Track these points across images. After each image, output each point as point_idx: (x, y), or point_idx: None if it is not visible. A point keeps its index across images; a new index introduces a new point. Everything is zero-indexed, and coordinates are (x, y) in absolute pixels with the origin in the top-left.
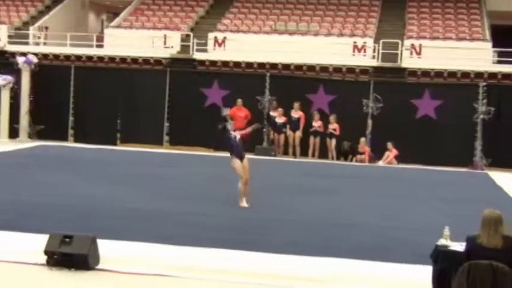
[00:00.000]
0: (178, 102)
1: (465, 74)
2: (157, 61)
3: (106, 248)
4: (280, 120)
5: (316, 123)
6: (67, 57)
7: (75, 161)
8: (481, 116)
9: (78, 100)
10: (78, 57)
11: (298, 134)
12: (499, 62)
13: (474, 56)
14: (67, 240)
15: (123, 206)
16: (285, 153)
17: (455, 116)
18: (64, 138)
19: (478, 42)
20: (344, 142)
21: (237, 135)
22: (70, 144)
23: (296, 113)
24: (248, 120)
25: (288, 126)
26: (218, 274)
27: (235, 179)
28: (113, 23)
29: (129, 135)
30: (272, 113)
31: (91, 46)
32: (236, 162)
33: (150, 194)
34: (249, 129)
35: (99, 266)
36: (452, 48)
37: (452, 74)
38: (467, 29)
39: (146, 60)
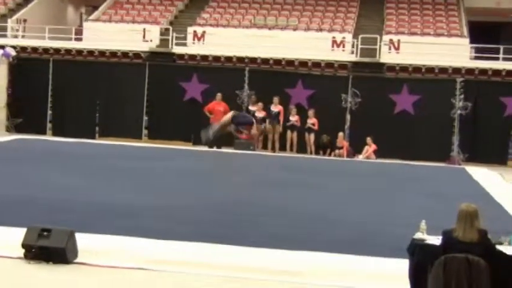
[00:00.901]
0: (157, 96)
1: (443, 70)
2: (136, 55)
3: (84, 241)
4: (260, 114)
5: (293, 118)
6: (45, 50)
7: (53, 154)
8: (458, 112)
9: (57, 93)
10: (57, 51)
11: (278, 128)
12: (476, 58)
13: (452, 51)
14: (45, 233)
15: (101, 200)
16: (264, 147)
17: (433, 111)
18: (42, 131)
19: (455, 38)
20: (323, 135)
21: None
22: (48, 137)
23: (275, 107)
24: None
25: (267, 120)
26: (197, 268)
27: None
28: (92, 17)
29: (107, 129)
30: (251, 108)
31: (70, 39)
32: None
33: (129, 187)
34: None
35: (78, 260)
36: (431, 44)
37: (430, 69)
38: (445, 25)
39: (125, 54)
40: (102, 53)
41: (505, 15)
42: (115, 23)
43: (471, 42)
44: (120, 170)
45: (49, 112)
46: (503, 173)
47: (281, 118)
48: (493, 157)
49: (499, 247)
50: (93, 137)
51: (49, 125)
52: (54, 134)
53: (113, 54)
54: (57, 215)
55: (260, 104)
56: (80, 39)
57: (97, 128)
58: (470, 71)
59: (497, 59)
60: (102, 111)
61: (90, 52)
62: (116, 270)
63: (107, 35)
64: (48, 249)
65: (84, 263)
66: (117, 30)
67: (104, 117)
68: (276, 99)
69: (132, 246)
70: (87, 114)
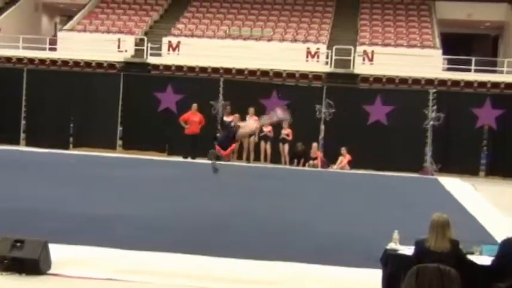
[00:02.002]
0: (131, 106)
1: (416, 81)
2: (111, 65)
3: (57, 252)
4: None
5: (266, 129)
6: (19, 60)
7: (26, 164)
8: (431, 122)
9: (31, 104)
10: (31, 60)
11: (253, 139)
12: (449, 69)
13: (425, 63)
14: (18, 244)
15: (74, 210)
16: (239, 158)
17: (406, 122)
18: (16, 142)
19: (428, 50)
20: (298, 143)
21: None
22: (22, 148)
23: (251, 118)
24: (202, 125)
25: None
26: (170, 278)
27: (187, 182)
28: (67, 26)
29: (82, 139)
30: (226, 118)
31: (44, 49)
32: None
33: (102, 197)
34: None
35: (51, 271)
36: (404, 55)
37: (403, 80)
38: (418, 36)
39: (100, 64)
40: (76, 63)
41: (476, 27)
42: (90, 33)
43: (444, 53)
44: (93, 180)
45: (23, 122)
46: (475, 183)
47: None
48: (465, 168)
49: (470, 257)
50: (67, 147)
51: (22, 135)
52: (28, 144)
53: (88, 64)
54: (30, 225)
55: (237, 115)
56: (54, 49)
57: (71, 138)
58: (442, 82)
59: (469, 70)
60: (76, 122)
61: (65, 62)
62: (89, 281)
63: (81, 45)
64: (21, 260)
65: (57, 274)
66: (92, 40)
67: (78, 128)
68: (251, 110)
69: (105, 257)
70: (61, 124)
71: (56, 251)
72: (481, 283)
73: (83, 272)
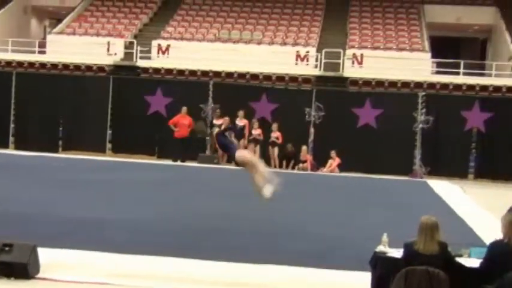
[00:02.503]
0: (121, 110)
1: (405, 84)
2: (101, 68)
3: (46, 256)
4: None
5: (256, 131)
6: (8, 63)
7: (15, 168)
8: (420, 125)
9: (20, 107)
10: (20, 64)
11: (243, 142)
12: (438, 73)
13: (414, 66)
14: (7, 248)
15: (63, 213)
16: (229, 161)
17: (396, 125)
18: (5, 145)
19: (417, 53)
20: (288, 145)
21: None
22: (11, 151)
23: (241, 121)
24: (191, 128)
25: (232, 134)
26: (160, 281)
27: (177, 185)
28: (56, 29)
29: (71, 143)
30: (215, 121)
31: (33, 52)
32: (241, 154)
33: (91, 200)
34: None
35: (40, 275)
36: (393, 58)
37: (392, 83)
38: (407, 39)
39: (89, 67)
40: (66, 66)
41: (465, 31)
42: (79, 36)
43: (433, 56)
44: (83, 184)
45: (12, 126)
46: (464, 186)
47: (246, 132)
48: (454, 170)
49: (459, 259)
50: (57, 151)
51: (11, 139)
52: (17, 147)
53: (77, 67)
54: (18, 229)
55: (227, 119)
56: (43, 52)
57: (60, 142)
58: (431, 85)
59: (458, 73)
60: (66, 125)
61: (54, 65)
62: (78, 285)
63: (70, 48)
64: (10, 264)
65: (46, 278)
66: (81, 43)
67: (67, 131)
68: (241, 113)
69: (94, 260)
70: (50, 127)
71: (45, 254)
72: (469, 285)
73: (72, 276)
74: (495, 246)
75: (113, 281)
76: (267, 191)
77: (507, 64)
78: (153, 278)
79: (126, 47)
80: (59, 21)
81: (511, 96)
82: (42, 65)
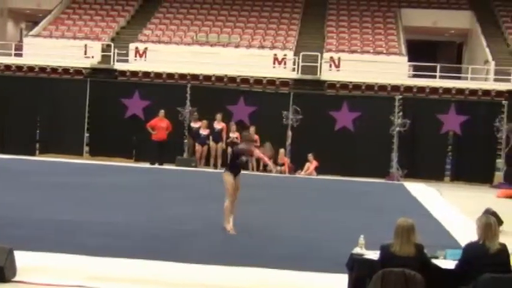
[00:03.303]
0: (98, 112)
1: (382, 87)
2: (78, 71)
3: (23, 259)
4: (204, 132)
5: (234, 135)
6: None
7: None
8: (397, 128)
9: None
10: None
11: (221, 145)
12: (415, 76)
13: (391, 69)
14: None
15: (40, 216)
16: (207, 164)
17: (373, 128)
18: None
19: (394, 57)
20: (266, 143)
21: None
22: None
23: (219, 124)
24: (169, 131)
25: (210, 137)
26: (138, 284)
27: (154, 189)
28: (33, 32)
29: (48, 145)
30: (193, 124)
31: (10, 55)
32: (229, 177)
33: (68, 204)
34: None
35: (16, 278)
36: (370, 61)
37: (369, 87)
38: (384, 43)
39: (66, 70)
40: (42, 69)
41: (441, 34)
42: (56, 39)
43: (409, 60)
44: (59, 187)
45: None
46: (440, 188)
47: (224, 135)
48: (430, 173)
49: (434, 261)
50: (34, 154)
51: None
52: None
53: (54, 70)
54: None
55: (205, 122)
56: (20, 55)
57: (37, 145)
58: (408, 88)
59: (434, 77)
60: (43, 128)
61: (31, 68)
62: None
63: (47, 51)
64: None
65: (22, 281)
66: (58, 46)
67: (44, 134)
68: (219, 116)
69: (71, 263)
70: (27, 130)
71: (21, 258)
72: (445, 287)
73: (48, 279)
74: (470, 248)
75: (89, 284)
76: (228, 226)
77: (483, 68)
78: (129, 281)
79: (103, 50)
80: (36, 23)
81: (486, 99)
82: (19, 67)
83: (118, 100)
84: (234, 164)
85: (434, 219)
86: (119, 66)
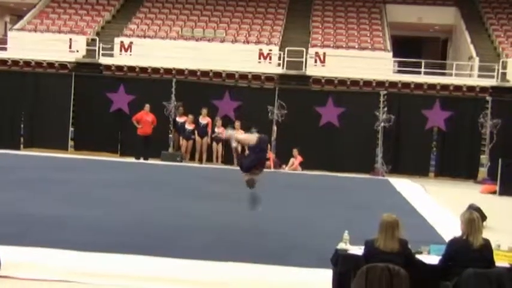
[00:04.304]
0: (83, 107)
1: (367, 83)
2: (63, 65)
3: (6, 254)
4: (189, 127)
5: (219, 129)
6: None
7: None
8: (382, 124)
9: None
10: None
11: (206, 140)
12: (399, 72)
13: (376, 65)
14: None
15: (23, 211)
16: (192, 159)
17: (357, 123)
18: None
19: (379, 52)
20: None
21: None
22: None
23: (204, 119)
24: (154, 126)
25: (196, 132)
26: (122, 280)
27: (139, 184)
28: (17, 26)
29: (33, 140)
30: (178, 119)
31: None
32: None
33: (53, 198)
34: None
35: (1, 273)
36: (355, 57)
37: (354, 82)
38: (369, 38)
39: (51, 64)
40: (27, 63)
41: (426, 30)
42: (40, 33)
43: (394, 56)
44: (44, 182)
45: None
46: (425, 184)
47: (209, 130)
48: (415, 169)
49: (418, 256)
50: (18, 148)
51: None
52: None
53: (39, 64)
54: None
55: (191, 117)
56: (4, 49)
57: (22, 139)
58: (393, 84)
59: (419, 72)
60: (27, 122)
61: (15, 62)
62: (40, 282)
63: (32, 45)
64: None
65: (7, 276)
66: (43, 40)
67: (29, 128)
68: (204, 111)
69: (56, 259)
70: (11, 125)
71: (5, 253)
72: (429, 282)
73: (33, 274)
74: (454, 243)
75: (74, 278)
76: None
77: (467, 64)
78: (114, 276)
79: (88, 44)
80: (20, 17)
81: (471, 95)
82: (3, 61)
83: (103, 94)
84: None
85: (418, 215)
86: (104, 60)
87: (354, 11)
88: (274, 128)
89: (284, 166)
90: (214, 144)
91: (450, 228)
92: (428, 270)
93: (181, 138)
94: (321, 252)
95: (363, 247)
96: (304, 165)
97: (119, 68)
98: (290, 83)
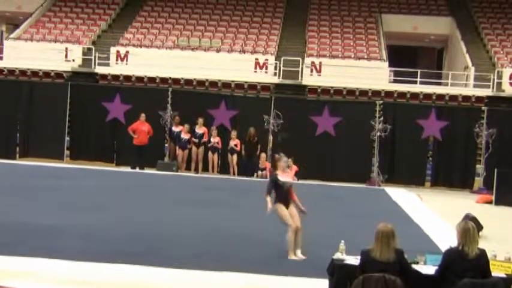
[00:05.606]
0: (79, 116)
1: (363, 92)
2: (59, 74)
3: (0, 263)
4: (185, 136)
5: (214, 139)
6: None
7: None
8: (378, 133)
9: None
10: None
11: (201, 149)
12: (395, 81)
13: (372, 75)
14: None
15: (16, 220)
16: (188, 168)
17: (353, 133)
18: None
19: (375, 62)
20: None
21: (284, 178)
22: None
23: (200, 129)
24: (150, 135)
25: (191, 141)
26: None
27: (134, 193)
28: (13, 35)
29: (29, 149)
30: (174, 128)
31: None
32: (281, 209)
33: (45, 208)
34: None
35: None
36: (351, 66)
37: (350, 92)
38: (365, 48)
39: (47, 73)
40: (23, 72)
41: (421, 40)
42: (36, 42)
43: (390, 65)
44: (38, 191)
45: None
46: (420, 193)
47: (205, 139)
48: (411, 178)
49: (414, 266)
50: (14, 158)
51: None
52: None
53: (35, 73)
54: None
55: (187, 126)
56: (0, 58)
57: (18, 148)
58: (389, 93)
59: (415, 82)
60: (23, 132)
61: (11, 71)
62: None
63: (28, 54)
64: None
65: (1, 286)
66: (39, 49)
67: (25, 138)
68: (200, 121)
69: (46, 268)
70: (7, 134)
71: None
72: None
73: (24, 283)
74: (450, 253)
75: None
76: (292, 257)
77: (463, 73)
78: (105, 285)
79: (84, 54)
80: (16, 26)
81: (466, 105)
82: None
83: (99, 104)
84: (280, 193)
85: (414, 224)
86: (100, 69)
87: (350, 21)
88: (270, 137)
89: None
90: (209, 154)
91: (446, 238)
92: (424, 279)
93: (177, 147)
94: (316, 261)
95: (359, 257)
96: (299, 175)
97: (115, 77)
98: (286, 93)
